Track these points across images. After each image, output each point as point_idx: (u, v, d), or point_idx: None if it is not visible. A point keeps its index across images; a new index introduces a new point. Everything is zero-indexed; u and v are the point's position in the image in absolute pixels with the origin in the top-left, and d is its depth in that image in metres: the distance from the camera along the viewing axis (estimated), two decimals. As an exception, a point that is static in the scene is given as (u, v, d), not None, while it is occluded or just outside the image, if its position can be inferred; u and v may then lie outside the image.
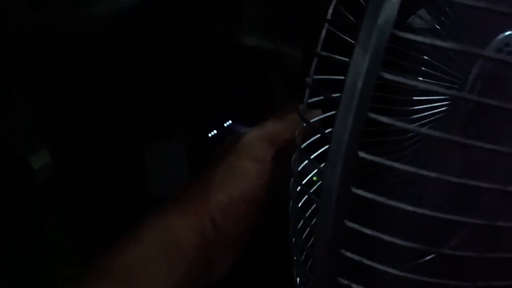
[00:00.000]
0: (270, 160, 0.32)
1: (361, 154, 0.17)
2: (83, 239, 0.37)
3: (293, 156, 0.23)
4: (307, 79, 0.22)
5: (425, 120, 0.34)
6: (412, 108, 0.34)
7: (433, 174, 0.16)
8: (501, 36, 0.31)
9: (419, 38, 0.15)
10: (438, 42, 0.16)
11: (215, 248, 0.32)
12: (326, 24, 0.25)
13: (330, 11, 0.23)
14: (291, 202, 0.23)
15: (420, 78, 0.34)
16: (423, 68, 0.33)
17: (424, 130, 0.17)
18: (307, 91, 0.23)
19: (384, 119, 0.16)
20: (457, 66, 0.31)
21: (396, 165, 0.16)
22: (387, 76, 0.16)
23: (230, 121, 0.47)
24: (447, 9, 0.31)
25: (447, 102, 0.33)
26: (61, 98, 0.38)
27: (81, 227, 0.37)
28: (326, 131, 0.19)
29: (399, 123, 0.17)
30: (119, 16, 0.37)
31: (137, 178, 0.40)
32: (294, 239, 0.23)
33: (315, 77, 0.23)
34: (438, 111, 0.34)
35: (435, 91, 0.17)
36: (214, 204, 0.31)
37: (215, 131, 0.45)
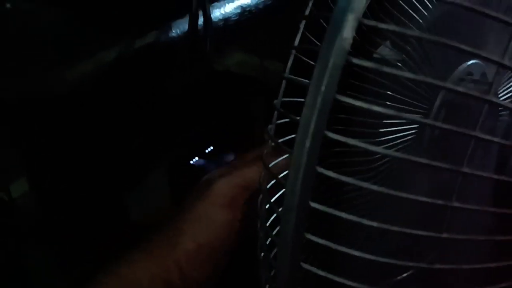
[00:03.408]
0: (242, 205, 0.33)
1: (313, 204, 0.19)
2: (65, 269, 0.38)
3: (259, 198, 0.25)
4: (275, 100, 0.24)
5: (396, 142, 0.36)
6: (382, 130, 0.36)
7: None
8: (464, 65, 0.32)
9: (357, 103, 0.17)
10: (382, 112, 0.17)
11: None
12: (293, 51, 0.27)
13: (297, 38, 0.24)
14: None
15: (389, 103, 0.35)
16: (388, 92, 0.34)
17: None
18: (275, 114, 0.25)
19: (331, 174, 0.18)
20: (423, 96, 0.33)
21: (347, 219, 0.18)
22: (332, 136, 0.18)
23: (211, 147, 0.48)
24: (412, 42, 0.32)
25: (415, 127, 0.34)
26: (42, 134, 0.38)
27: (62, 256, 0.38)
28: (281, 175, 0.21)
29: (349, 180, 0.18)
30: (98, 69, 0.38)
31: (118, 204, 0.41)
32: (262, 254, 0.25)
33: (283, 99, 0.25)
34: (407, 133, 0.35)
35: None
36: (181, 251, 0.31)
37: (196, 158, 0.46)
